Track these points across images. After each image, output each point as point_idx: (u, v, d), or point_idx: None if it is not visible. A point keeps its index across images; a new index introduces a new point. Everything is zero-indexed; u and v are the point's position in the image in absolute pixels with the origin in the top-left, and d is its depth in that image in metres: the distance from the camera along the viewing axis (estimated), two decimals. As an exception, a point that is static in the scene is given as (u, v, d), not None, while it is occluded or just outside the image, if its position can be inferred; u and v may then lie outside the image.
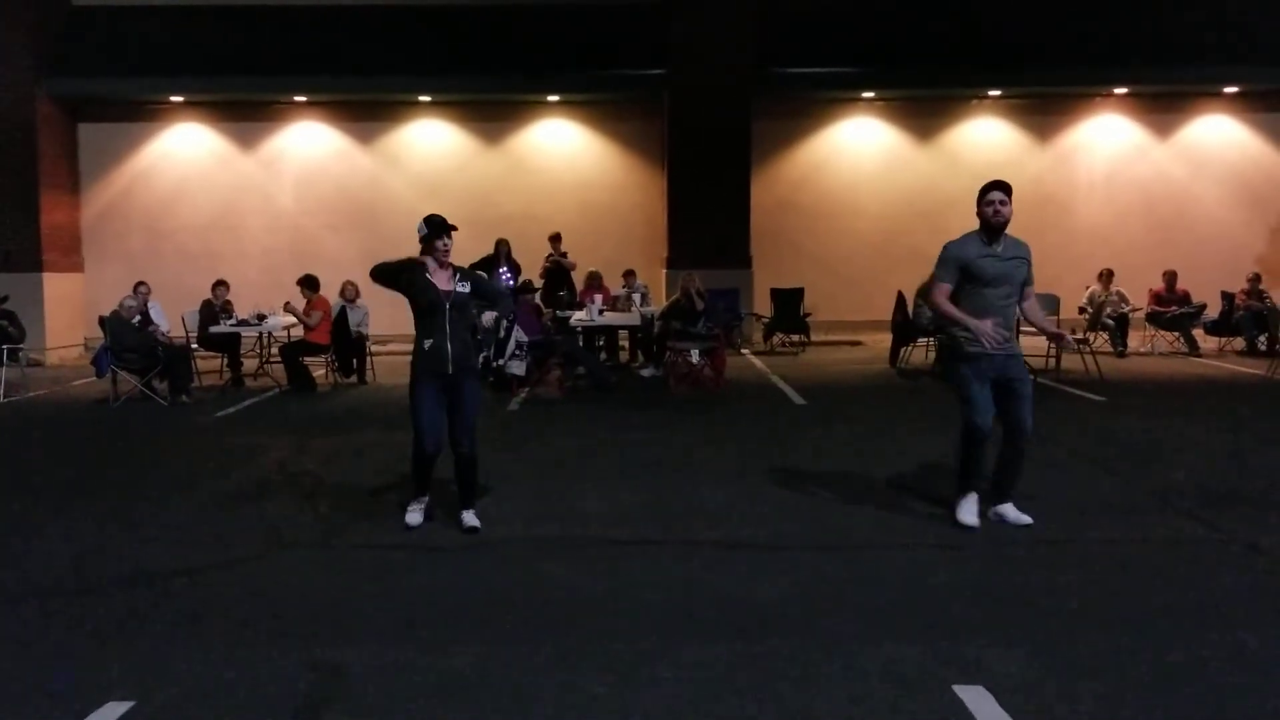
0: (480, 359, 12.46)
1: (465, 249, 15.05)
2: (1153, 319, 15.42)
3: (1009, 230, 6.02)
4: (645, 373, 12.93)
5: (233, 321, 12.69)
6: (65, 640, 4.58)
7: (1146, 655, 4.27)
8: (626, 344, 14.82)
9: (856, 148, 17.56)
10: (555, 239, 15.43)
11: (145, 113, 17.18)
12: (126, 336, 11.39)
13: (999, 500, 6.19)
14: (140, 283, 12.52)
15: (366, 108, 17.37)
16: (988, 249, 5.96)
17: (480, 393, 6.38)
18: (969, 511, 6.12)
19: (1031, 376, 12.09)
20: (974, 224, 6.07)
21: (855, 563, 5.53)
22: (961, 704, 3.84)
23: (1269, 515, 6.34)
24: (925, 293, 13.07)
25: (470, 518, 6.24)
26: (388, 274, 6.19)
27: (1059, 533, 6.03)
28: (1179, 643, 4.40)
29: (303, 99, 17.14)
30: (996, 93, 17.20)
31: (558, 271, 15.14)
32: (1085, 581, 5.18)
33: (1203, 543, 5.82)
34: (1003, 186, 5.92)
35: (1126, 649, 4.34)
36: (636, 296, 14.18)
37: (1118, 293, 15.17)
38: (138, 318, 11.80)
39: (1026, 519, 6.09)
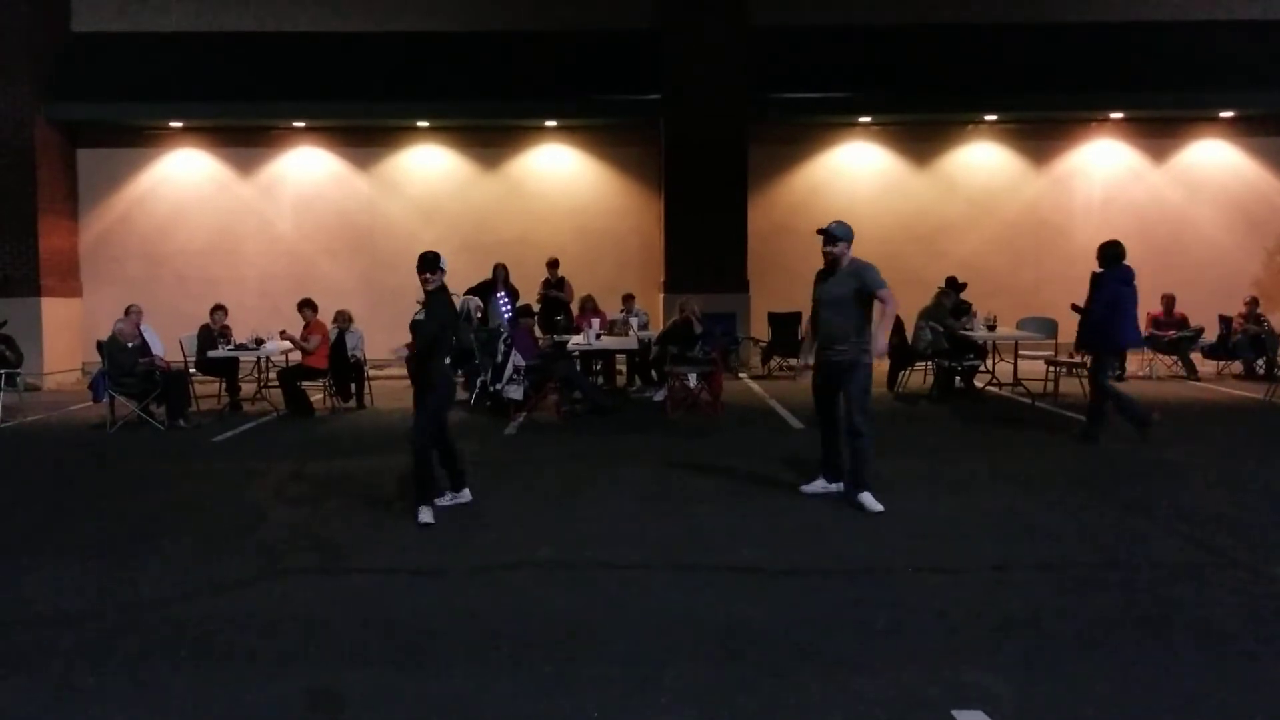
0: (478, 383, 12.56)
1: (463, 273, 15.16)
2: (1150, 343, 15.43)
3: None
4: (658, 397, 12.79)
5: (230, 346, 12.68)
6: (59, 668, 4.55)
7: (1148, 679, 4.25)
8: (624, 368, 14.81)
9: (853, 172, 17.62)
10: (552, 264, 15.46)
11: (144, 138, 17.23)
12: (124, 362, 11.38)
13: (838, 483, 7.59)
14: (131, 306, 12.48)
15: (364, 133, 17.43)
16: (823, 282, 7.47)
17: (425, 402, 7.09)
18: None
19: (1030, 400, 12.16)
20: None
21: (853, 587, 5.50)
22: (961, 729, 3.82)
23: (1270, 539, 6.33)
24: (927, 315, 13.13)
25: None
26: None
27: (1058, 556, 6.01)
28: (1182, 667, 4.38)
29: (301, 124, 17.20)
30: (993, 117, 17.26)
31: (553, 299, 15.18)
32: (1085, 605, 5.16)
33: (1204, 567, 5.80)
34: (823, 232, 7.41)
35: (1128, 674, 4.32)
36: (634, 321, 14.18)
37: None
38: (130, 344, 11.77)
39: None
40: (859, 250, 7.44)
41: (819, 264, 7.57)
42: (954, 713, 3.94)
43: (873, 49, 16.68)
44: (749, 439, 10.29)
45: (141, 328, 12.22)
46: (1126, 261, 9.75)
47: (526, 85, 16.53)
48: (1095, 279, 9.82)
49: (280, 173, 17.48)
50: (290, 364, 12.87)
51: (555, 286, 15.36)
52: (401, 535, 6.63)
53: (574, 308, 15.03)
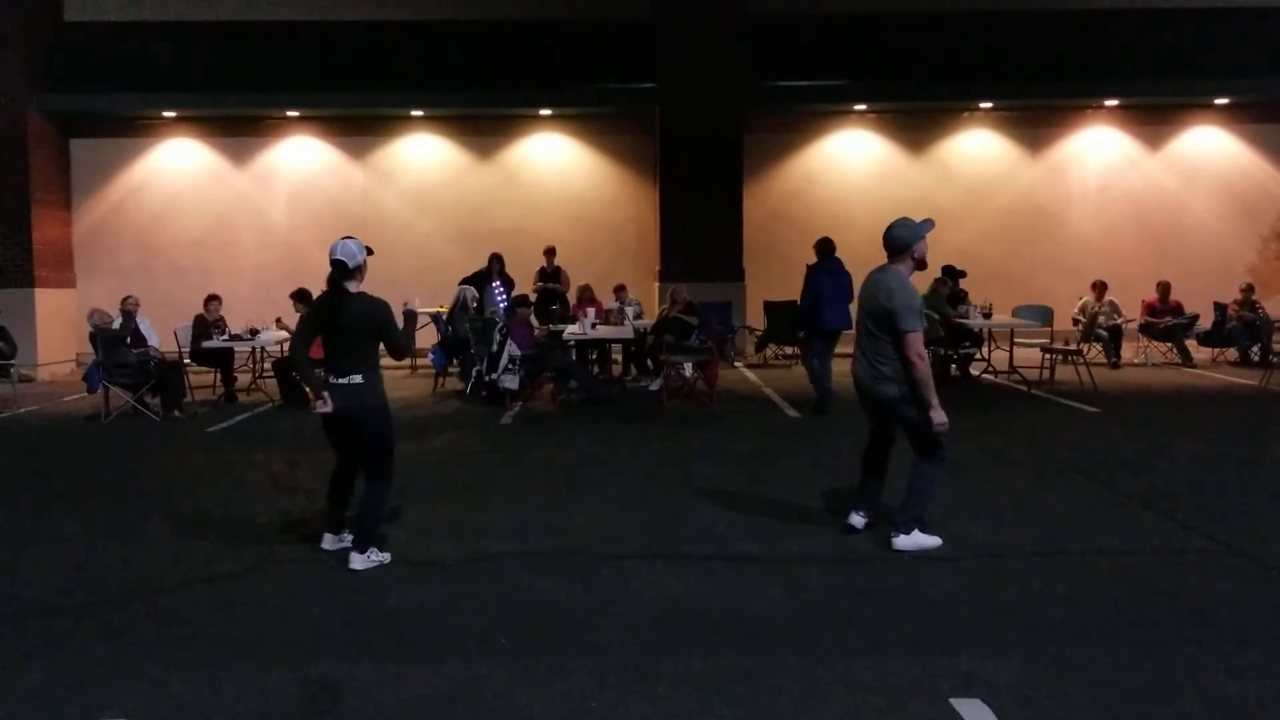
0: (474, 373, 12.53)
1: (457, 263, 15.18)
2: (1146, 330, 15.45)
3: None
4: (654, 386, 12.79)
5: (225, 336, 12.65)
6: (55, 658, 4.54)
7: (1145, 666, 4.26)
8: (620, 358, 14.81)
9: (848, 160, 17.59)
10: (549, 253, 15.43)
11: (137, 128, 17.16)
12: (117, 353, 11.33)
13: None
14: (127, 297, 12.44)
15: (359, 122, 17.36)
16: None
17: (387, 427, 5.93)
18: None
19: (1025, 387, 12.12)
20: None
21: (850, 575, 5.51)
22: (959, 716, 3.82)
23: (1265, 525, 6.34)
24: (924, 303, 13.12)
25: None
26: None
27: (1055, 544, 6.02)
28: (1178, 654, 4.38)
29: (295, 114, 17.13)
30: (988, 105, 17.24)
31: (550, 291, 15.16)
32: (1082, 592, 5.17)
33: (1199, 553, 5.81)
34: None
35: (1125, 660, 4.32)
36: (629, 310, 14.16)
37: (1111, 304, 15.19)
38: (115, 323, 11.71)
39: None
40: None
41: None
42: (951, 700, 3.94)
43: (868, 36, 16.63)
44: (745, 427, 10.28)
45: (138, 320, 12.19)
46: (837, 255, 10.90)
47: (522, 74, 16.47)
48: (807, 271, 11.02)
49: (274, 162, 17.42)
50: (285, 354, 12.83)
51: (552, 276, 15.32)
52: (398, 525, 6.61)
53: (571, 297, 15.01)
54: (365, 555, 5.79)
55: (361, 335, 5.64)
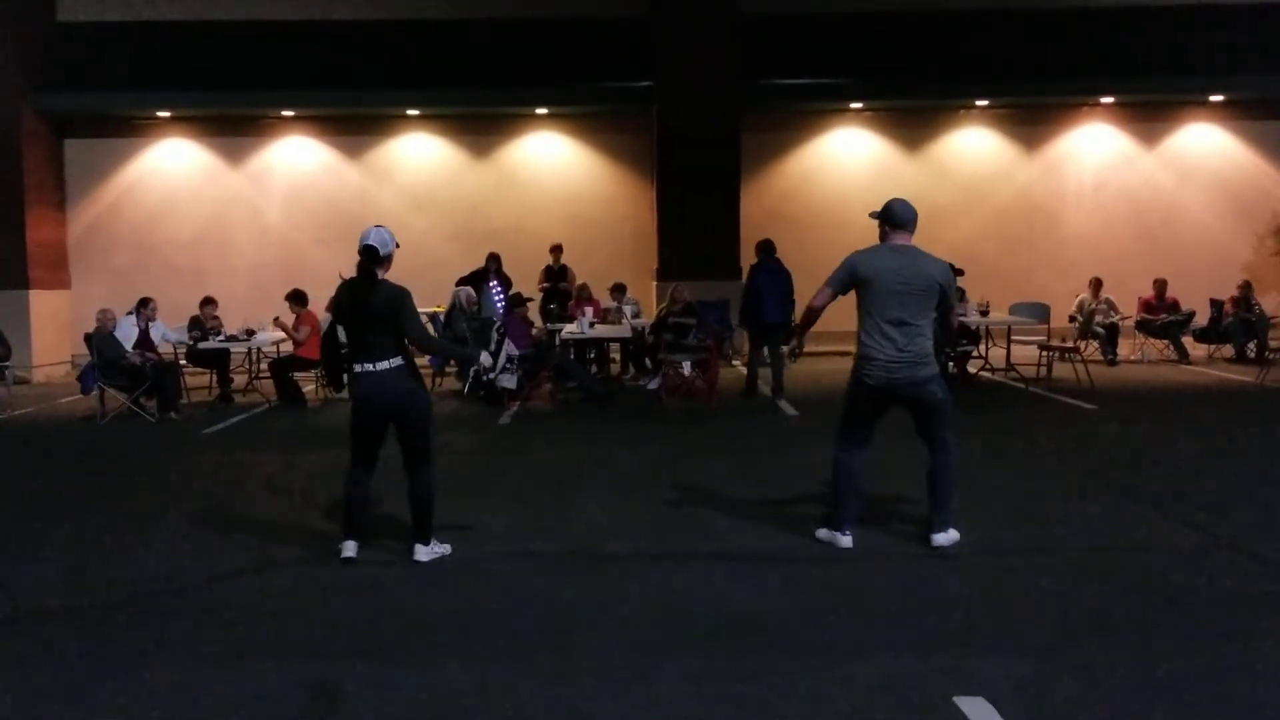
0: (471, 372, 12.49)
1: (454, 263, 15.13)
2: (1142, 327, 15.46)
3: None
4: (653, 385, 12.78)
5: (221, 337, 12.61)
6: (51, 661, 4.51)
7: (1149, 663, 4.24)
8: (618, 356, 14.79)
9: (845, 158, 17.58)
10: (555, 250, 15.39)
11: (132, 128, 17.11)
12: (109, 351, 11.29)
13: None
14: (148, 299, 12.31)
15: (355, 122, 17.33)
16: None
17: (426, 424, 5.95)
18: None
19: (1023, 385, 12.09)
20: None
21: (852, 574, 5.49)
22: (963, 715, 3.80)
23: (1264, 521, 6.33)
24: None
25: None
26: None
27: (1055, 541, 6.01)
28: (1181, 650, 4.37)
29: (291, 113, 17.10)
30: (984, 103, 17.24)
31: (554, 289, 15.14)
32: (1083, 589, 5.16)
33: (1200, 550, 5.80)
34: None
35: (1128, 657, 4.31)
36: (627, 309, 14.14)
37: (1107, 301, 15.19)
38: (120, 326, 11.70)
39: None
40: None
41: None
42: (955, 699, 3.92)
43: (864, 34, 16.60)
44: (744, 427, 10.26)
45: (151, 324, 12.12)
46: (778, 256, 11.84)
47: (518, 72, 16.43)
48: (749, 270, 11.90)
49: (270, 162, 17.39)
50: (282, 355, 12.80)
51: (558, 274, 15.29)
52: (395, 526, 6.58)
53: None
54: (430, 546, 5.84)
55: (388, 322, 5.58)
